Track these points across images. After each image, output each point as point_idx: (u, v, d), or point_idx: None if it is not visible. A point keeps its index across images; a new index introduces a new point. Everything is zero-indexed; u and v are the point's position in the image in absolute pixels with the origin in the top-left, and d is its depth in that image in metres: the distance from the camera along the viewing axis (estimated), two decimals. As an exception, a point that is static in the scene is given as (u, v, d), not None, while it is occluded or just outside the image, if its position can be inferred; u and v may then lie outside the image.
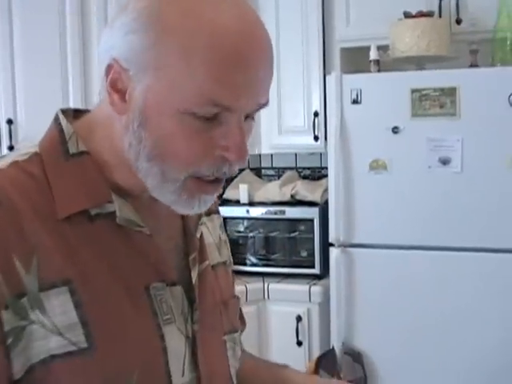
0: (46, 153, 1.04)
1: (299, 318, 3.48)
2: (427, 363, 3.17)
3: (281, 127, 3.79)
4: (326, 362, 3.13)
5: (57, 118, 1.08)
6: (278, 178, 4.09)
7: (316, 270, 3.62)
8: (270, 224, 3.72)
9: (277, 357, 3.18)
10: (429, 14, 3.37)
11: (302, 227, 3.64)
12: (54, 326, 0.94)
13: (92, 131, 1.05)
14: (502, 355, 3.07)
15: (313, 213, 3.61)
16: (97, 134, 1.05)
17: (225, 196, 3.89)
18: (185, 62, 0.91)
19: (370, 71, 3.40)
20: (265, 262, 3.73)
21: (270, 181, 4.09)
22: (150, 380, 1.02)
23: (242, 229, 3.76)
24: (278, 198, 3.78)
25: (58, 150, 1.03)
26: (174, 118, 0.94)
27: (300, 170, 4.19)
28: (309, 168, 4.18)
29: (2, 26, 3.48)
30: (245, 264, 3.74)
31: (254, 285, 3.60)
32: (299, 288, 3.54)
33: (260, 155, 4.13)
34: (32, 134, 3.44)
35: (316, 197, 3.69)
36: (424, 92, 3.12)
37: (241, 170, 4.01)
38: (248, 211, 3.75)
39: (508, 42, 3.27)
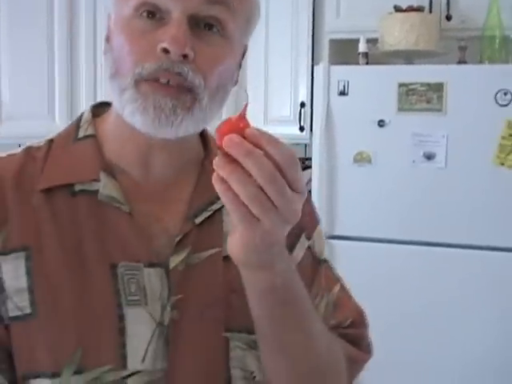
0: (58, 138, 1.11)
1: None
2: (411, 359, 3.16)
3: (267, 117, 3.78)
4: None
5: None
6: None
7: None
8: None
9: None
10: (419, 9, 3.37)
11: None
12: (6, 288, 1.00)
13: (105, 115, 1.12)
14: (490, 351, 3.08)
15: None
16: (106, 114, 1.12)
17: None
18: None
19: (358, 63, 3.40)
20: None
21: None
22: (98, 358, 1.00)
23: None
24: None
25: (69, 135, 1.11)
26: (124, 27, 0.99)
27: (284, 161, 4.17)
28: (293, 159, 4.17)
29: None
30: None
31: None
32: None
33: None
34: (16, 114, 3.47)
35: (299, 187, 3.68)
36: (411, 86, 3.12)
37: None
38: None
39: (497, 40, 3.27)
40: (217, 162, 0.81)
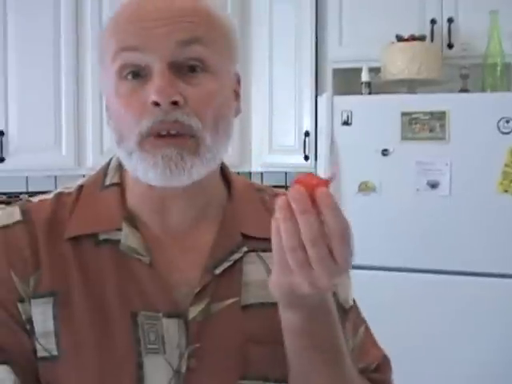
0: (87, 185, 1.15)
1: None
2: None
3: (271, 146, 3.81)
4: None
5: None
6: (268, 196, 4.08)
7: (303, 290, 3.61)
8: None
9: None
10: (421, 38, 3.40)
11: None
12: (35, 331, 1.06)
13: None
14: (493, 378, 3.08)
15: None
16: None
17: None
18: (106, 41, 1.04)
19: (361, 92, 3.43)
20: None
21: (260, 198, 4.08)
22: None
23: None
24: (267, 216, 3.78)
25: (97, 183, 1.14)
26: (115, 93, 1.02)
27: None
28: (298, 187, 4.19)
29: (-4, 39, 3.50)
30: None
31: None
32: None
33: (250, 173, 4.14)
34: (23, 147, 3.50)
35: (305, 216, 3.69)
36: (414, 115, 3.15)
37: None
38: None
39: (498, 68, 3.30)
40: (279, 202, 0.86)
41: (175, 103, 0.98)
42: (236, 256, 1.10)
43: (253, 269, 1.11)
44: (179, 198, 1.09)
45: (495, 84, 3.30)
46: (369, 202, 3.23)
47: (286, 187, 4.17)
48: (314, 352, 1.01)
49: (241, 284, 1.10)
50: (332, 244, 0.85)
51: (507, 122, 3.04)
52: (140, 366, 1.04)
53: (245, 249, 1.11)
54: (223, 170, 1.18)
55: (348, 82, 3.71)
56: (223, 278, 1.09)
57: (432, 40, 3.48)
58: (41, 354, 1.06)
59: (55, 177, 3.96)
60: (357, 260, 3.04)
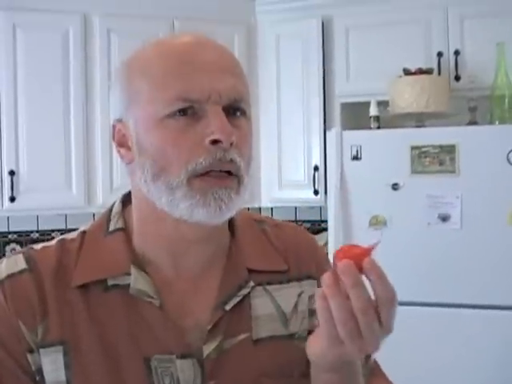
0: (90, 231, 1.16)
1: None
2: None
3: (281, 181, 3.81)
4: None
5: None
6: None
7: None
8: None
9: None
10: (428, 71, 3.41)
11: (302, 281, 3.63)
12: (46, 380, 1.05)
13: (131, 207, 1.15)
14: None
15: (312, 267, 3.59)
16: (132, 207, 1.15)
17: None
18: (149, 80, 1.05)
19: (370, 127, 3.44)
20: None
21: (270, 234, 4.08)
22: None
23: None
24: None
25: (101, 228, 1.15)
26: (159, 128, 1.03)
27: (300, 224, 4.20)
28: (309, 221, 4.19)
29: (6, 80, 3.53)
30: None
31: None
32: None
33: (260, 208, 4.14)
34: (34, 186, 3.51)
35: (316, 250, 3.68)
36: (423, 149, 3.15)
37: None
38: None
39: (506, 100, 3.30)
40: (325, 278, 0.91)
41: (231, 144, 1.02)
42: (244, 291, 1.12)
43: (261, 303, 1.14)
44: (197, 243, 1.11)
45: (503, 116, 3.29)
46: (380, 237, 3.22)
47: (296, 222, 4.17)
48: None
49: (251, 319, 1.12)
50: (380, 310, 0.91)
51: (517, 153, 3.04)
52: None
53: (252, 283, 1.13)
54: None
55: (356, 116, 3.72)
56: (233, 313, 1.11)
57: (439, 73, 3.49)
58: None
59: (66, 215, 3.98)
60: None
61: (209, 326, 1.08)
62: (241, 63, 1.11)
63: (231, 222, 1.18)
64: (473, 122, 3.37)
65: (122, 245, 1.11)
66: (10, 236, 4.02)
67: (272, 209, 4.21)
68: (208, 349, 1.07)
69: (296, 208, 4.21)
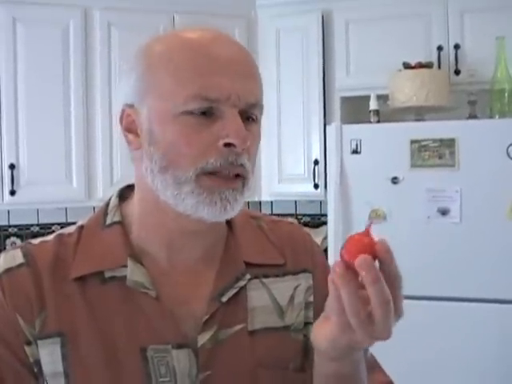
0: (88, 225, 1.17)
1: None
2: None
3: (281, 175, 3.82)
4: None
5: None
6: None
7: (315, 318, 3.59)
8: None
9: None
10: (428, 65, 3.42)
11: (302, 274, 3.63)
12: (43, 372, 1.07)
13: (131, 200, 1.17)
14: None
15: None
16: (130, 198, 1.17)
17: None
18: (169, 73, 1.04)
19: (369, 121, 3.44)
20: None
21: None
22: None
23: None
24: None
25: (98, 222, 1.16)
26: (175, 123, 1.03)
27: (300, 217, 4.21)
28: (309, 215, 4.20)
29: (6, 73, 3.53)
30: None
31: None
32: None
33: (260, 202, 4.15)
34: (34, 180, 3.52)
35: (315, 244, 3.69)
36: (423, 143, 3.16)
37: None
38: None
39: (506, 94, 3.30)
40: (336, 268, 0.91)
41: (244, 149, 1.03)
42: (241, 283, 1.14)
43: (257, 295, 1.15)
44: (196, 235, 1.12)
45: (503, 110, 3.30)
46: (379, 230, 3.21)
47: (295, 216, 4.18)
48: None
49: (247, 310, 1.14)
50: (396, 292, 0.92)
51: (517, 147, 3.04)
52: None
53: (248, 276, 1.15)
54: None
55: (356, 110, 3.73)
56: (229, 305, 1.12)
57: (439, 67, 3.49)
58: None
59: (66, 209, 3.99)
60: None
61: (205, 316, 1.09)
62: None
63: (230, 219, 1.19)
64: (472, 116, 3.38)
65: (118, 238, 1.12)
66: (10, 229, 4.02)
67: (272, 202, 4.22)
68: (203, 339, 1.08)
69: (296, 202, 4.21)
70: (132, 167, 1.14)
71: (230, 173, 1.03)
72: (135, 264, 1.09)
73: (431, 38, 3.54)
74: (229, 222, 1.19)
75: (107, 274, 1.10)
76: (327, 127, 3.43)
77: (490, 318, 3.07)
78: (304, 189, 3.74)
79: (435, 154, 3.14)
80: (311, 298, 1.21)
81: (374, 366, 1.27)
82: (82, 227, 1.16)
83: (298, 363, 1.15)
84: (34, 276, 1.09)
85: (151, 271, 1.10)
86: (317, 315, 1.05)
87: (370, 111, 3.46)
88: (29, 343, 1.06)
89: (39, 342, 1.06)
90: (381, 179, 3.23)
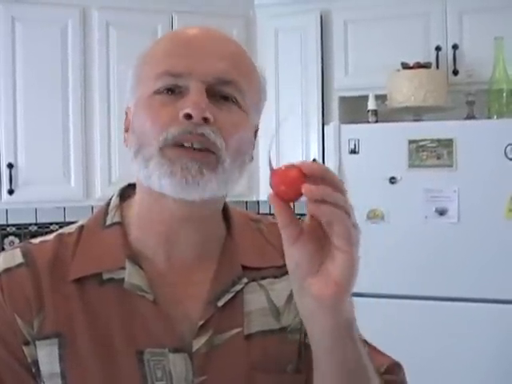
0: (88, 225, 1.16)
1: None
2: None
3: (279, 174, 3.81)
4: None
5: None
6: (276, 224, 4.08)
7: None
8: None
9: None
10: (426, 66, 3.42)
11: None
12: (41, 372, 1.06)
13: (131, 200, 1.17)
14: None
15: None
16: (131, 197, 1.17)
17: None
18: (147, 61, 1.10)
19: (368, 121, 3.45)
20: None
21: (268, 227, 4.08)
22: None
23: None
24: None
25: (98, 222, 1.16)
26: (145, 105, 1.06)
27: (298, 217, 4.19)
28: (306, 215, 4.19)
29: (5, 73, 3.53)
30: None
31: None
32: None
33: (258, 202, 4.15)
34: (32, 179, 3.52)
35: (314, 244, 3.69)
36: (421, 143, 3.16)
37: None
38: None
39: (504, 94, 3.31)
40: (308, 188, 0.90)
41: (206, 120, 1.01)
42: (237, 287, 1.12)
43: (254, 298, 1.14)
44: (188, 227, 1.11)
45: (501, 110, 3.30)
46: (377, 230, 3.23)
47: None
48: (348, 345, 1.00)
49: (243, 314, 1.12)
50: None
51: (514, 148, 3.05)
52: None
53: (245, 280, 1.13)
54: (224, 209, 1.20)
55: (354, 110, 3.73)
56: (225, 309, 1.11)
57: (437, 67, 3.49)
58: None
59: (64, 208, 3.99)
60: (365, 288, 3.06)
61: (200, 321, 1.08)
62: (255, 67, 1.14)
63: (227, 219, 1.19)
64: (471, 116, 3.38)
65: (118, 239, 1.12)
66: (8, 229, 4.02)
67: (270, 202, 4.21)
68: (198, 343, 1.07)
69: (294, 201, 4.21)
70: (130, 166, 1.13)
71: (194, 145, 1.02)
72: (133, 266, 1.09)
73: (429, 38, 3.55)
74: (227, 224, 1.18)
75: (105, 276, 1.09)
76: (325, 127, 3.44)
77: (488, 317, 3.08)
78: (302, 189, 3.73)
79: (433, 154, 3.15)
80: None
81: (370, 351, 1.24)
82: (82, 227, 1.16)
83: (295, 365, 1.13)
84: (33, 276, 1.08)
85: (149, 273, 1.10)
86: None
87: (369, 111, 3.46)
88: (27, 343, 1.06)
89: (37, 342, 1.06)
90: (379, 179, 3.23)
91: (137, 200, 1.14)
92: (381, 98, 3.50)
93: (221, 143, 1.03)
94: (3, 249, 3.94)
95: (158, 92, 1.05)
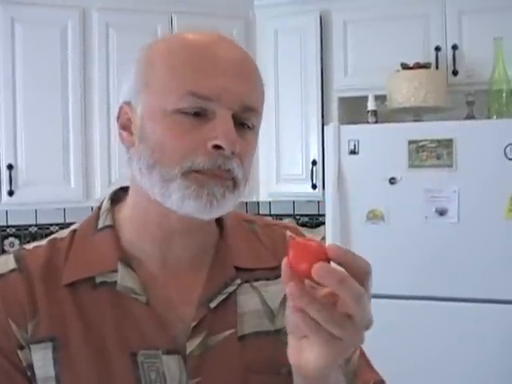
0: (80, 229, 1.16)
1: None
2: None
3: (279, 175, 3.82)
4: None
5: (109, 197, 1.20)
6: (276, 226, 4.09)
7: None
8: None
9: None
10: (426, 66, 3.42)
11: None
12: (36, 376, 1.06)
13: (123, 203, 1.16)
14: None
15: (310, 261, 3.61)
16: (123, 200, 1.16)
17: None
18: (166, 70, 1.04)
19: (367, 121, 3.45)
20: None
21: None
22: None
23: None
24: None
25: (90, 226, 1.16)
26: (165, 121, 1.02)
27: (298, 218, 4.21)
28: (307, 215, 4.20)
29: (4, 74, 3.54)
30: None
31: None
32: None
33: (258, 203, 4.15)
34: (32, 180, 3.52)
35: (313, 244, 3.70)
36: (421, 143, 3.16)
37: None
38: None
39: (503, 94, 3.31)
40: (292, 291, 0.84)
41: (233, 152, 1.01)
42: (230, 289, 1.12)
43: (247, 299, 1.14)
44: (185, 235, 1.11)
45: (501, 110, 3.30)
46: (377, 231, 3.24)
47: (293, 216, 4.18)
48: None
49: (236, 315, 1.12)
50: (365, 285, 0.87)
51: (514, 148, 3.05)
52: None
53: (238, 281, 1.13)
54: None
55: (354, 110, 3.73)
56: (218, 311, 1.11)
57: (437, 67, 3.49)
58: None
59: (64, 209, 3.99)
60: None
61: (193, 323, 1.08)
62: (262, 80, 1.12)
63: (220, 221, 1.19)
64: (470, 117, 3.38)
65: (109, 242, 1.12)
66: (8, 230, 4.02)
67: (270, 203, 4.22)
68: (191, 345, 1.07)
69: (294, 202, 4.22)
70: (126, 166, 1.13)
71: (218, 174, 1.02)
72: (126, 269, 1.09)
73: (429, 38, 3.55)
74: (220, 225, 1.19)
75: (98, 280, 1.09)
76: (325, 128, 3.43)
77: (488, 318, 3.08)
78: (302, 189, 3.74)
79: (433, 154, 3.15)
80: None
81: (360, 364, 1.24)
82: (74, 231, 1.16)
83: (289, 367, 1.09)
84: (26, 281, 1.08)
85: (141, 275, 1.10)
86: None
87: (368, 112, 3.46)
88: (21, 347, 1.06)
89: (32, 346, 1.06)
90: (379, 179, 3.23)
91: (129, 204, 1.14)
92: (380, 99, 3.50)
93: (241, 174, 1.04)
94: (3, 250, 3.95)
95: (181, 111, 1.02)
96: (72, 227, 1.18)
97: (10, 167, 3.53)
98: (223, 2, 3.83)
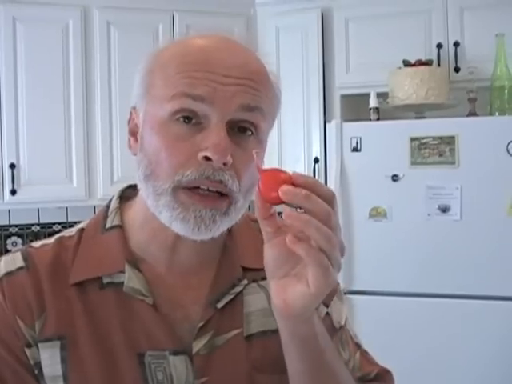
0: (88, 228, 1.16)
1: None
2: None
3: (281, 173, 3.81)
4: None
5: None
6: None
7: (316, 316, 3.60)
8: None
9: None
10: (427, 63, 3.42)
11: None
12: (44, 374, 1.06)
13: (132, 202, 1.16)
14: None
15: (313, 258, 3.60)
16: (132, 199, 1.16)
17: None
18: (163, 77, 1.03)
19: (369, 118, 3.44)
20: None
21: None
22: None
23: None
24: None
25: (98, 225, 1.15)
26: (161, 130, 1.01)
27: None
28: (309, 213, 4.20)
29: (6, 73, 3.53)
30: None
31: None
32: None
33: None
34: (34, 179, 3.52)
35: (316, 242, 3.69)
36: (423, 140, 3.16)
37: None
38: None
39: (506, 91, 3.31)
40: (289, 215, 0.84)
41: (225, 164, 0.98)
42: (237, 289, 1.13)
43: (254, 299, 1.14)
44: (192, 240, 1.09)
45: (503, 107, 3.30)
46: (380, 228, 3.23)
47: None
48: (323, 355, 1.03)
49: (243, 315, 1.12)
50: (334, 209, 0.89)
51: (517, 144, 3.04)
52: None
53: (245, 281, 1.13)
54: None
55: (356, 107, 3.73)
56: (225, 311, 1.11)
57: (439, 64, 3.49)
58: None
59: (66, 208, 3.99)
60: (368, 286, 3.05)
61: (200, 323, 1.08)
62: (276, 83, 1.10)
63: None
64: (472, 114, 3.38)
65: (117, 242, 1.11)
66: (11, 229, 4.02)
67: (272, 201, 4.21)
68: (198, 345, 1.07)
69: (296, 200, 4.21)
70: (132, 166, 1.11)
71: (210, 190, 0.99)
72: (133, 270, 1.09)
73: (431, 35, 3.54)
74: (230, 229, 1.17)
75: (105, 280, 1.09)
76: (327, 125, 3.43)
77: (490, 315, 3.08)
78: (304, 187, 3.73)
79: (435, 151, 3.14)
80: None
81: (363, 359, 1.25)
82: (82, 230, 1.16)
83: None
84: (34, 279, 1.08)
85: (148, 276, 1.10)
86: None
87: (370, 109, 3.46)
88: (29, 346, 1.06)
89: (40, 344, 1.06)
90: (381, 177, 3.23)
91: (137, 206, 1.13)
92: (382, 96, 3.50)
93: (236, 186, 1.00)
94: (6, 249, 3.95)
95: (174, 115, 1.00)
96: (80, 225, 1.17)
97: (12, 166, 3.53)
98: (225, 0, 3.83)
